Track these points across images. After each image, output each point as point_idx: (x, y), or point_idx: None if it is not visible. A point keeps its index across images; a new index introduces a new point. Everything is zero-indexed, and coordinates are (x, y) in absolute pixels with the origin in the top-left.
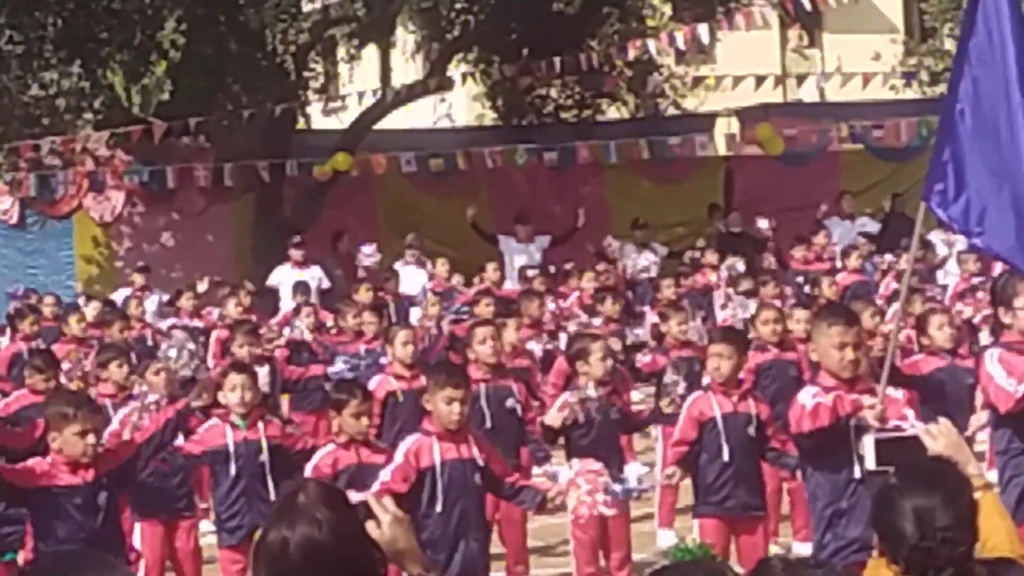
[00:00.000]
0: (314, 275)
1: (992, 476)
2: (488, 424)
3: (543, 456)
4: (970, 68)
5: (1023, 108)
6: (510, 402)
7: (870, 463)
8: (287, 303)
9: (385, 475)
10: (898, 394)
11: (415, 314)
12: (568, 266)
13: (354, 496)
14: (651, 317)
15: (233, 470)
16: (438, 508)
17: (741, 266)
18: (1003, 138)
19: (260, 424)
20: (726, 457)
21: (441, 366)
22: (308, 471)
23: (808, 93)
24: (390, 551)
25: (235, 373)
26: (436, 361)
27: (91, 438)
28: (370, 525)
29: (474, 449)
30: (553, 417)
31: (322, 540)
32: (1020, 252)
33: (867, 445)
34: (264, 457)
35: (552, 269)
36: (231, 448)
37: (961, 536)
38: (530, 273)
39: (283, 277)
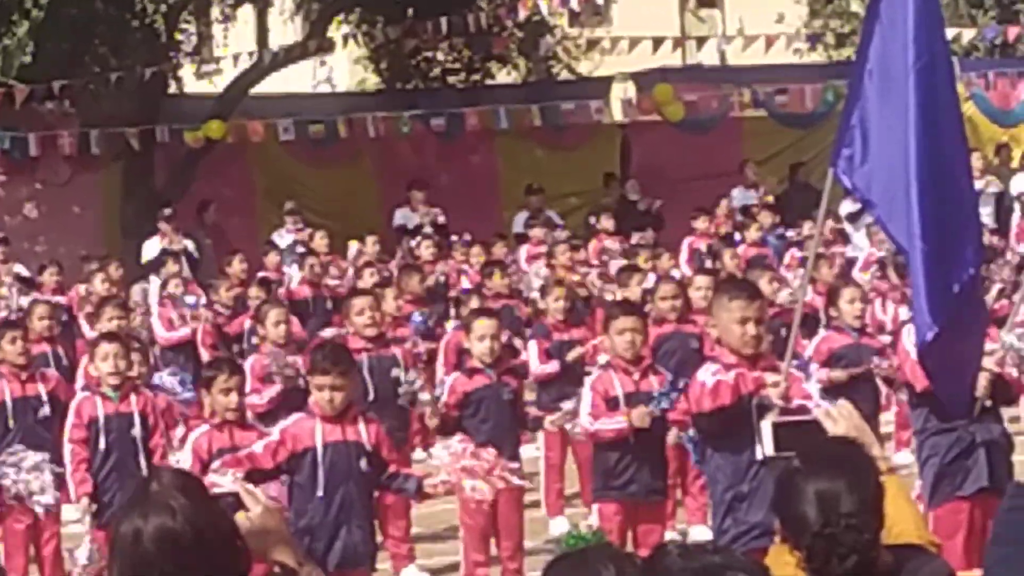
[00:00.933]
0: (184, 246)
1: (899, 458)
2: (372, 396)
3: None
4: (880, 27)
5: (915, 71)
6: (395, 371)
7: (768, 449)
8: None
9: (257, 447)
10: (801, 372)
11: None
12: (454, 238)
13: (224, 482)
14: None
15: (103, 444)
16: (319, 493)
17: None
18: (904, 102)
19: (133, 396)
20: (630, 439)
21: (319, 348)
22: (183, 453)
23: (708, 56)
24: (260, 542)
25: (106, 342)
26: (318, 343)
27: None
28: (239, 516)
29: (362, 432)
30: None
31: (177, 529)
32: (903, 229)
33: (764, 430)
34: (136, 432)
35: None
36: (101, 421)
37: (866, 522)
38: (413, 243)
39: (152, 251)
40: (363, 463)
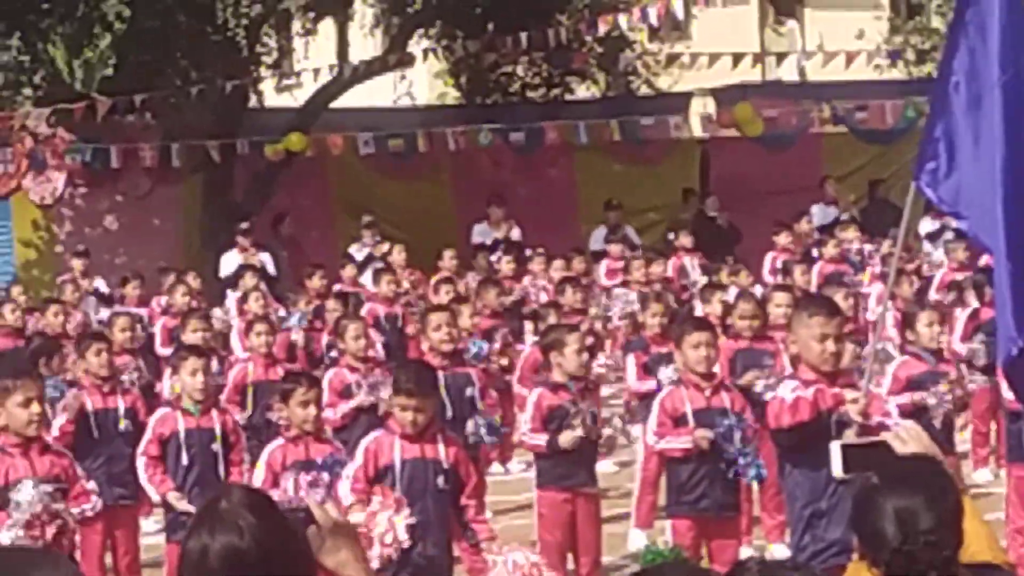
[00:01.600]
0: (262, 259)
1: (978, 476)
2: (449, 414)
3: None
4: (967, 39)
5: (1000, 85)
6: (469, 391)
7: (836, 471)
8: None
9: (347, 481)
10: (882, 389)
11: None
12: (528, 252)
13: (311, 501)
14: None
15: (186, 459)
16: None
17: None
18: (991, 116)
19: (214, 412)
20: (699, 454)
21: (404, 369)
22: (258, 468)
23: (788, 72)
24: (332, 560)
25: (195, 357)
26: (401, 362)
27: (35, 406)
28: (311, 530)
29: (440, 450)
30: (568, 439)
31: (243, 548)
32: (1000, 240)
33: (833, 452)
34: (218, 446)
35: (527, 252)
36: (182, 435)
37: (945, 539)
38: (493, 258)
39: (230, 265)
40: (440, 480)
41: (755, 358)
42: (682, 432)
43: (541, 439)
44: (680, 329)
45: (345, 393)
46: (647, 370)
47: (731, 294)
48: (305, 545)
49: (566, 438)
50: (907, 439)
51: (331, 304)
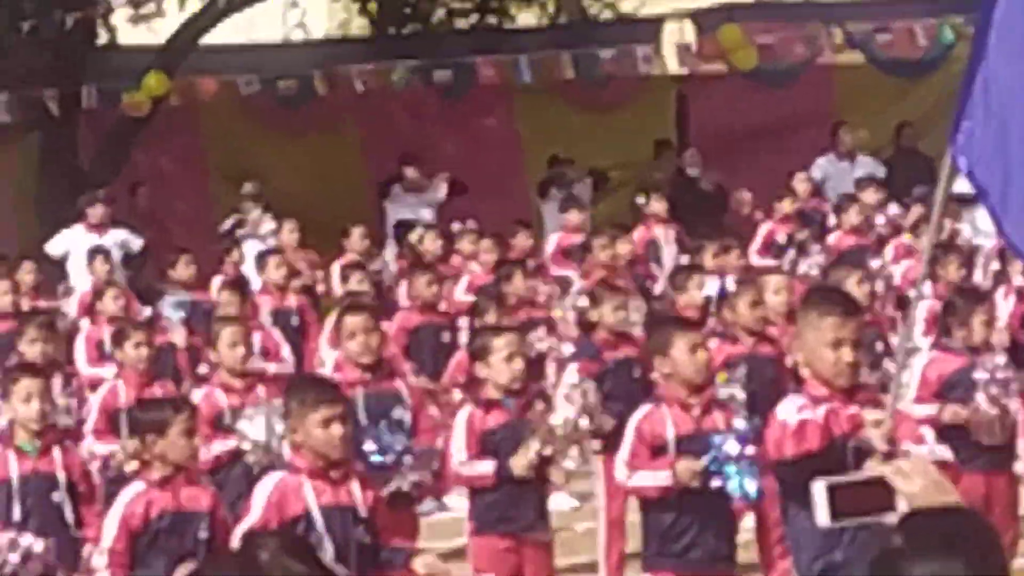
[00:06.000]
0: (117, 239)
1: None
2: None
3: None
4: None
5: None
6: (398, 412)
7: (822, 517)
8: (80, 279)
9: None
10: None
11: None
12: (457, 227)
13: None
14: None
15: (18, 512)
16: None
17: None
18: None
19: (56, 451)
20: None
21: (306, 380)
22: (111, 520)
23: None
24: None
25: (28, 377)
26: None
27: None
28: None
29: (356, 492)
30: (520, 464)
31: None
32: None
33: (817, 493)
34: (60, 496)
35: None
36: (15, 483)
37: None
38: (413, 237)
39: (73, 243)
40: (361, 532)
41: (755, 368)
42: (660, 464)
43: (483, 467)
44: (665, 331)
45: (218, 422)
46: None
47: (712, 286)
48: None
49: (520, 461)
50: (911, 473)
51: (225, 296)
